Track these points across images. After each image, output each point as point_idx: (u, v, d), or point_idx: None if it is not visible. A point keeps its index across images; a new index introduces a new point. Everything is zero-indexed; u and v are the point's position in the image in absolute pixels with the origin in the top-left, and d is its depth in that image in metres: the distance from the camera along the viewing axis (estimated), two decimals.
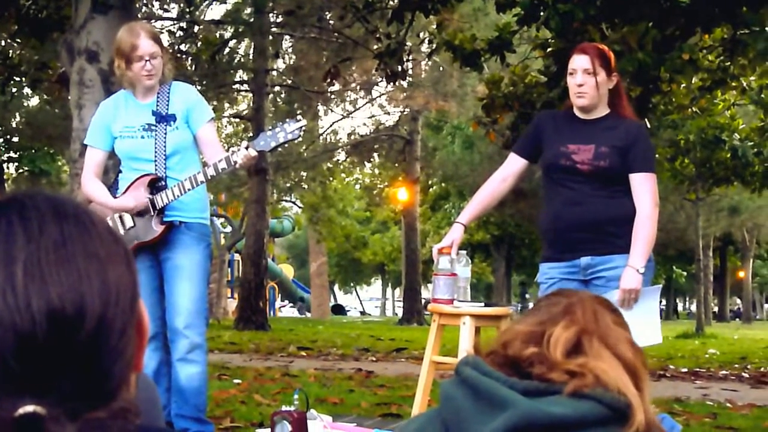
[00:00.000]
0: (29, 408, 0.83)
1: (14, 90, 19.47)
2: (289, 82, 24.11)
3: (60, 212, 0.93)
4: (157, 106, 4.42)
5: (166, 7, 20.15)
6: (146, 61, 4.33)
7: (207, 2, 21.93)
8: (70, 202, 0.96)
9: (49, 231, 0.90)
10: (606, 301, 1.73)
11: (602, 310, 1.67)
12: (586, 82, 4.08)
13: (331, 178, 31.96)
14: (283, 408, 4.07)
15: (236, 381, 7.87)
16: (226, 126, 29.68)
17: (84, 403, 0.87)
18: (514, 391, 1.49)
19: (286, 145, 5.86)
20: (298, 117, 4.60)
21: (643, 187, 4.08)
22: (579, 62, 4.09)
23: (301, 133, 4.46)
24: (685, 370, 11.08)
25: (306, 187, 30.48)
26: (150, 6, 19.53)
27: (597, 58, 4.08)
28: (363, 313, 57.74)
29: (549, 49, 10.07)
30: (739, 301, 60.65)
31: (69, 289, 0.87)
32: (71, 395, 0.87)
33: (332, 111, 28.99)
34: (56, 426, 0.82)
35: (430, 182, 38.96)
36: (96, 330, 0.88)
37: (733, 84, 12.26)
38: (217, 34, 21.37)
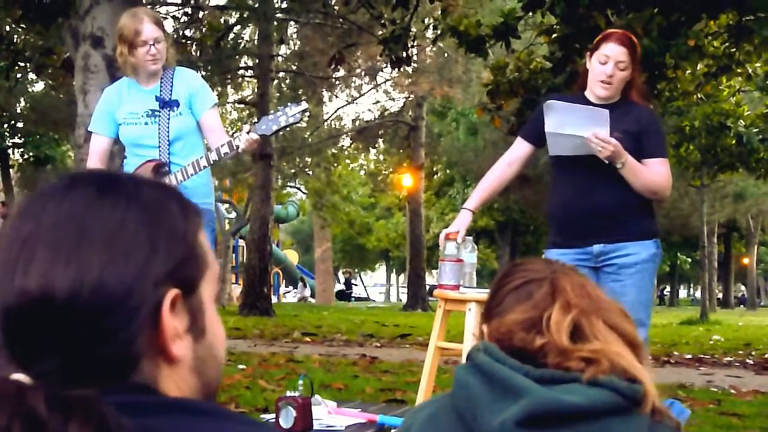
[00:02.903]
0: (15, 375, 0.85)
1: (19, 75, 19.43)
2: (294, 67, 24.07)
3: (97, 194, 0.93)
4: (161, 91, 4.42)
5: None
6: (150, 45, 4.32)
7: None
8: (118, 191, 0.95)
9: (71, 211, 0.91)
10: (576, 270, 1.74)
11: (585, 281, 1.68)
12: (615, 74, 4.02)
13: (335, 164, 31.95)
14: (288, 393, 4.09)
15: (241, 366, 7.89)
16: (230, 112, 29.65)
17: (71, 379, 0.89)
18: (529, 379, 1.49)
19: (291, 130, 5.84)
20: (302, 101, 4.56)
21: (660, 171, 4.08)
22: (615, 52, 4.01)
23: (304, 117, 4.45)
24: (689, 356, 11.09)
25: (311, 172, 30.48)
26: None
27: (632, 53, 4.03)
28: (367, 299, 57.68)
29: (554, 35, 10.03)
30: (743, 287, 60.57)
31: (63, 274, 0.88)
32: (56, 371, 0.89)
33: (337, 97, 29.00)
34: (33, 395, 0.83)
35: (434, 168, 38.92)
36: (85, 313, 0.89)
37: (739, 70, 12.22)
38: (222, 20, 21.34)
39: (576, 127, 3.96)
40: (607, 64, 4.03)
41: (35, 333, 0.89)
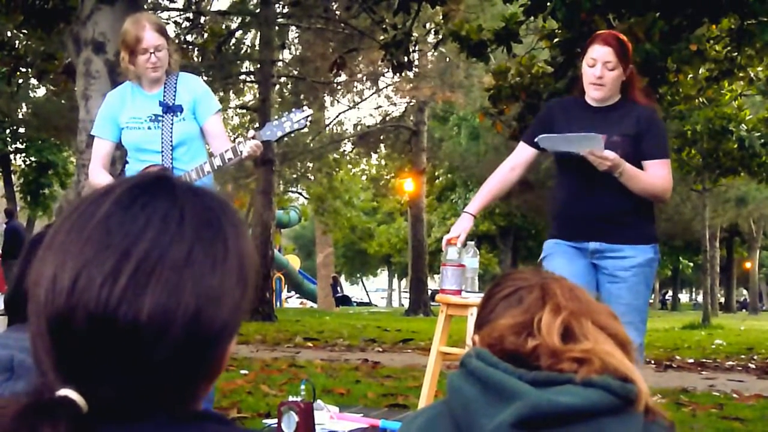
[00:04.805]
0: (70, 393, 0.85)
1: (20, 81, 19.43)
2: (296, 73, 24.09)
3: (203, 227, 0.93)
4: (164, 96, 4.41)
5: None
6: (151, 53, 4.32)
7: None
8: (224, 227, 0.96)
9: (178, 247, 0.90)
10: (566, 278, 1.75)
11: (574, 286, 1.69)
12: (605, 75, 4.02)
13: (337, 169, 31.95)
14: (290, 398, 4.08)
15: (243, 372, 7.88)
16: (232, 117, 29.69)
17: (123, 407, 0.89)
18: (523, 381, 1.49)
19: (293, 136, 5.84)
20: (304, 107, 4.56)
21: (659, 173, 4.07)
22: (601, 54, 4.02)
23: (308, 123, 4.45)
24: (691, 360, 11.07)
25: (312, 178, 30.49)
26: None
27: (619, 51, 4.03)
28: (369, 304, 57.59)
29: (555, 40, 10.06)
30: (745, 292, 60.58)
31: (162, 309, 0.87)
32: (111, 397, 0.88)
33: (338, 102, 29.01)
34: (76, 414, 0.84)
35: (436, 173, 38.92)
36: (168, 355, 0.88)
37: (740, 74, 12.26)
38: (224, 25, 21.36)
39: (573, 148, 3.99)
40: (595, 66, 4.04)
41: (119, 353, 0.87)
